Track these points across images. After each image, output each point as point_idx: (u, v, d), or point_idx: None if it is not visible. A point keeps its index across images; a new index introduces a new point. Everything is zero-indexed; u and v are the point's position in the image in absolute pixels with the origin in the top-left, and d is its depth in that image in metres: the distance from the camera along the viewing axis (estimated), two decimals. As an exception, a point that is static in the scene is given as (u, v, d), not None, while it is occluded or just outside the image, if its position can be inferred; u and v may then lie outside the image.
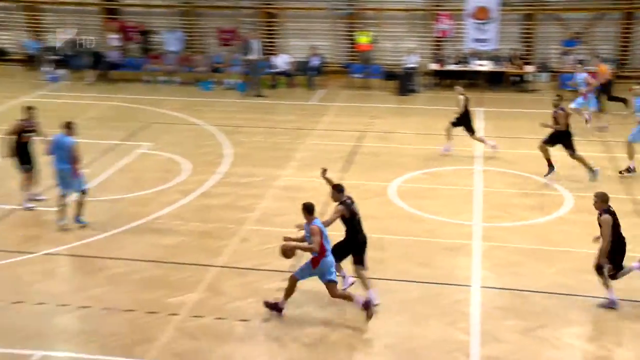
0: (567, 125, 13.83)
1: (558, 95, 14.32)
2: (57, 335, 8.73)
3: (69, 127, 11.63)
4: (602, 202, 9.17)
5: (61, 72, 23.26)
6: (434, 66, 22.43)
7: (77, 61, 23.59)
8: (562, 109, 13.89)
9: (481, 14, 22.74)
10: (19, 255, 10.65)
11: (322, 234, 8.86)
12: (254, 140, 16.69)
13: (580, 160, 13.91)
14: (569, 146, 13.88)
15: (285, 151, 15.89)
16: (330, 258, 8.97)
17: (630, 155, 14.27)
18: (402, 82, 21.62)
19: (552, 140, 13.98)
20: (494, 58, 22.38)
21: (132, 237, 11.37)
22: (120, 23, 24.48)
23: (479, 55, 22.62)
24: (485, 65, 22.26)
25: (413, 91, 21.77)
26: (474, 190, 13.55)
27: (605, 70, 19.03)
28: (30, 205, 12.34)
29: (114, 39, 23.74)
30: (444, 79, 22.96)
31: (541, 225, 12.03)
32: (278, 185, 13.77)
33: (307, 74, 22.41)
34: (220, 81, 22.39)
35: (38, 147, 12.60)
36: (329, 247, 9.00)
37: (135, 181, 13.96)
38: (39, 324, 8.88)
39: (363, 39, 22.97)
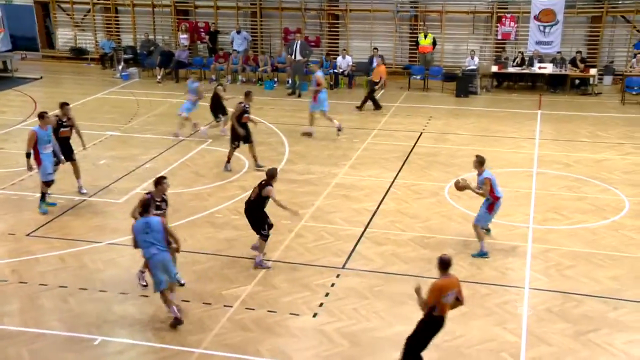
0: None
1: None
2: (117, 321, 8.99)
3: (40, 117, 12.02)
4: None
5: (133, 70, 23.93)
6: (495, 68, 21.96)
7: (148, 60, 24.25)
8: None
9: (546, 16, 22.13)
10: (85, 244, 11.03)
11: (491, 183, 10.48)
12: (313, 138, 16.73)
13: None
14: None
15: (342, 150, 15.89)
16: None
17: None
18: (462, 83, 21.28)
19: None
20: (556, 61, 21.74)
21: (191, 230, 11.59)
22: (190, 23, 24.99)
23: (541, 58, 22.02)
24: (547, 68, 21.63)
25: (472, 93, 21.39)
26: (529, 192, 13.21)
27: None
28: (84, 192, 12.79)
29: (183, 39, 24.26)
30: (504, 81, 22.49)
31: (596, 229, 11.62)
32: (333, 183, 13.79)
33: (369, 75, 22.29)
34: (285, 80, 22.53)
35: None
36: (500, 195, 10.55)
37: (196, 176, 14.22)
38: (100, 311, 9.17)
39: (424, 41, 22.72)
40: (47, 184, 12.09)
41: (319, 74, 16.98)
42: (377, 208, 12.53)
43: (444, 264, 7.40)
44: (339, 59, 22.61)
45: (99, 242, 11.13)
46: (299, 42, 21.82)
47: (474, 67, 21.69)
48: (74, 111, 19.00)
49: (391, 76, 23.41)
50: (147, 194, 9.51)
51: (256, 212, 10.29)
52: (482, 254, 10.62)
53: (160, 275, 8.65)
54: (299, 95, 21.25)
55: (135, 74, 23.89)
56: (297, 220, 11.85)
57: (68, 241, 11.14)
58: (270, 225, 10.32)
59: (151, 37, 25.31)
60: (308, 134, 16.80)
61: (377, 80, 19.75)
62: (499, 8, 22.87)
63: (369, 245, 10.98)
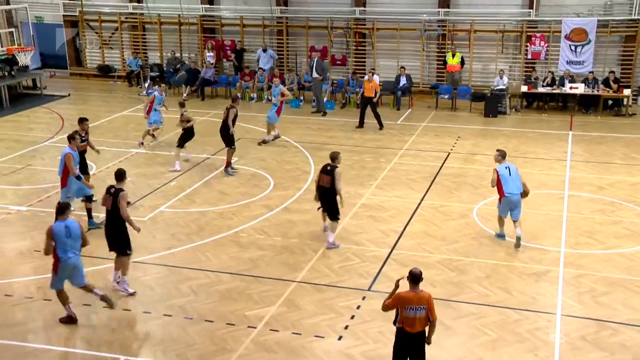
0: None
1: None
2: (140, 341, 9.00)
3: (72, 138, 12.19)
4: None
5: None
6: (524, 88, 21.81)
7: (174, 78, 24.53)
8: None
9: (577, 35, 21.97)
10: (109, 262, 11.08)
11: (499, 176, 11.54)
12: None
13: None
14: None
15: (368, 170, 15.85)
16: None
17: None
18: (491, 103, 21.15)
19: None
20: (588, 81, 21.52)
21: (215, 249, 11.61)
22: (216, 41, 25.28)
23: (572, 78, 21.83)
24: (579, 88, 21.42)
25: (501, 113, 21.25)
26: (561, 215, 13.02)
27: None
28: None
29: (209, 57, 24.53)
30: (534, 102, 22.31)
31: (633, 254, 11.38)
32: (359, 203, 13.74)
33: (395, 94, 22.32)
34: (311, 99, 22.61)
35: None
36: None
37: (221, 194, 14.28)
38: (124, 329, 9.19)
39: (452, 60, 22.68)
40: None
41: (283, 88, 17.91)
42: (404, 229, 12.44)
43: (412, 278, 7.41)
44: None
45: (123, 260, 11.17)
46: (316, 60, 22.00)
47: (503, 87, 21.56)
48: (100, 129, 19.51)
49: (418, 95, 23.44)
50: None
51: (332, 198, 11.38)
52: (498, 235, 11.86)
53: (63, 278, 9.11)
54: (324, 114, 21.31)
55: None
56: (323, 240, 11.81)
57: (92, 259, 11.20)
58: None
59: (177, 55, 25.63)
60: (264, 142, 17.74)
61: (372, 96, 19.75)
62: (528, 27, 22.78)
63: (396, 267, 10.88)
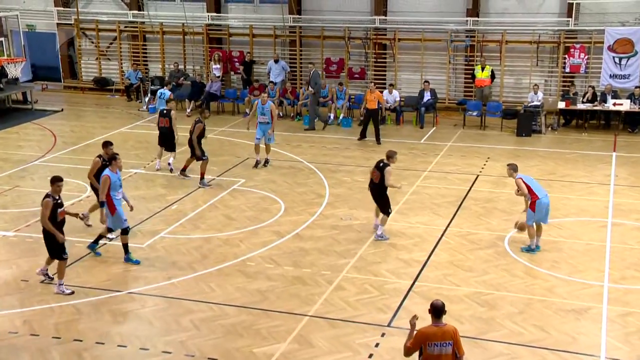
0: None
1: None
2: (136, 379, 8.99)
3: (113, 159, 12.24)
4: None
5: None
6: (562, 105, 21.79)
7: (177, 91, 24.74)
8: None
9: (622, 46, 21.97)
10: (104, 293, 11.13)
11: (524, 182, 12.48)
12: (355, 180, 16.76)
13: None
14: None
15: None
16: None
17: None
18: (524, 121, 21.13)
19: None
20: (635, 96, 21.43)
21: (220, 279, 11.63)
22: (223, 52, 25.54)
23: (616, 93, 21.78)
24: (623, 105, 21.36)
25: (536, 132, 21.22)
26: (603, 245, 12.92)
27: None
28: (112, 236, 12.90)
29: (216, 69, 24.75)
30: (573, 119, 22.27)
31: (684, 290, 11.25)
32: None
33: (418, 111, 22.39)
34: (325, 116, 22.71)
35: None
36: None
37: (227, 219, 14.33)
38: (118, 366, 9.19)
39: (482, 74, 22.74)
40: (126, 231, 12.20)
41: (273, 105, 17.84)
42: (428, 259, 12.40)
43: (435, 311, 7.33)
44: (386, 93, 22.75)
45: (118, 291, 11.22)
46: (312, 72, 22.28)
47: (538, 103, 21.55)
48: (95, 147, 19.68)
49: (444, 112, 23.49)
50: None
51: (382, 193, 13.03)
52: (529, 249, 12.61)
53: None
54: (312, 129, 21.54)
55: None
56: (338, 270, 11.81)
57: (85, 289, 11.26)
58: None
59: (181, 67, 25.90)
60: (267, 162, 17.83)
61: (375, 107, 19.99)
62: (566, 37, 22.82)
63: (418, 301, 10.83)
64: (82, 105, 25.62)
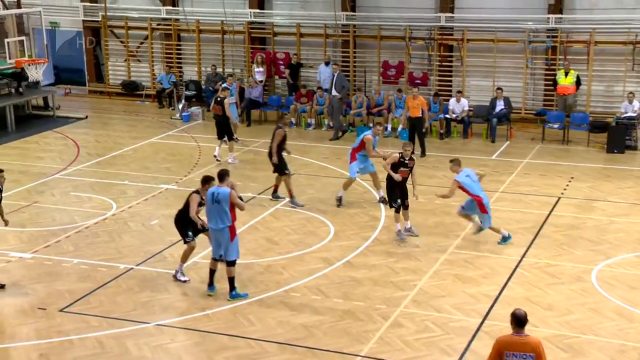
0: None
1: None
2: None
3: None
4: None
5: (195, 110, 24.81)
6: (661, 116, 21.39)
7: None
8: None
9: None
10: (129, 325, 11.30)
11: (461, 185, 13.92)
12: (416, 200, 16.67)
13: None
14: None
15: (454, 216, 15.71)
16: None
17: None
18: (616, 135, 20.81)
19: None
20: None
21: (261, 312, 11.70)
22: (267, 54, 25.81)
23: None
24: None
25: (630, 148, 20.86)
26: None
27: None
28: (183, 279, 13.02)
29: (258, 73, 24.99)
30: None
31: None
32: (442, 259, 13.66)
33: (489, 122, 22.24)
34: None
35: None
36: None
37: (269, 243, 14.43)
38: (144, 408, 9.30)
39: (565, 80, 22.48)
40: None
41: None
42: (500, 294, 12.27)
43: (516, 320, 7.68)
44: (452, 101, 22.66)
45: (146, 323, 11.38)
46: (337, 74, 22.44)
47: (633, 114, 21.22)
48: (123, 159, 20.11)
49: (520, 124, 23.28)
50: None
51: (390, 184, 14.55)
52: (505, 239, 14.14)
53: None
54: (338, 137, 21.95)
55: (199, 114, 24.75)
56: (394, 304, 11.76)
57: (109, 320, 11.45)
58: (397, 198, 14.34)
59: (219, 70, 26.25)
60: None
61: (419, 115, 20.00)
62: (669, 36, 22.41)
63: (488, 343, 10.62)
64: (108, 112, 26.19)
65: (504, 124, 22.38)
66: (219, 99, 19.52)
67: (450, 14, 24.34)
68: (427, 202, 16.59)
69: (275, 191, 16.63)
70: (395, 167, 14.53)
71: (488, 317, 11.52)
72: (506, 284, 12.66)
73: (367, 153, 16.27)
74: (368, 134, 16.57)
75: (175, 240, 14.27)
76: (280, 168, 16.35)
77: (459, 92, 23.08)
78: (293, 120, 23.66)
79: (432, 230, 15.04)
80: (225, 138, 19.51)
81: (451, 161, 14.44)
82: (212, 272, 12.27)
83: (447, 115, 22.57)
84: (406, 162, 14.59)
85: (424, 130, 20.61)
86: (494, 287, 12.52)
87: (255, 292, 12.34)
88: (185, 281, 12.69)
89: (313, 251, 14.05)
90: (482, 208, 13.97)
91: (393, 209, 14.51)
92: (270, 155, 16.39)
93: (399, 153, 14.58)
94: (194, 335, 11.08)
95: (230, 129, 19.54)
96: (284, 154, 16.50)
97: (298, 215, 15.84)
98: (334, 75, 22.72)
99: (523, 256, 13.75)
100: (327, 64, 24.39)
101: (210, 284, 12.28)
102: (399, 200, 14.39)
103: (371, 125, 23.11)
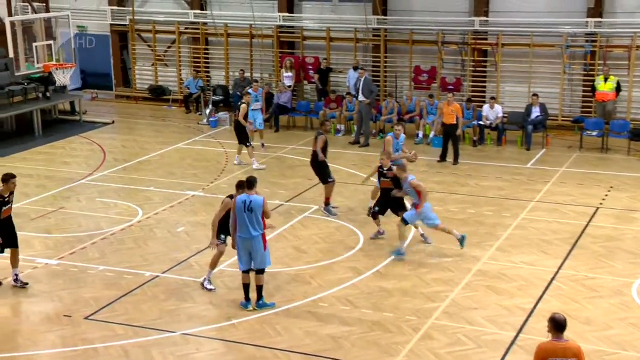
0: None
1: None
2: None
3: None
4: None
5: (223, 115, 24.94)
6: None
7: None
8: None
9: None
10: (154, 334, 11.36)
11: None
12: (448, 209, 16.64)
13: None
14: None
15: (488, 227, 15.68)
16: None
17: None
18: (658, 143, 20.58)
19: None
20: None
21: (288, 322, 11.71)
22: (296, 58, 25.89)
23: None
24: None
25: (674, 157, 20.64)
26: None
27: None
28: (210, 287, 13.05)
29: (287, 78, 25.08)
30: None
31: None
32: (475, 270, 13.59)
33: (525, 129, 22.09)
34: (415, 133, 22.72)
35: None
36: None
37: (297, 252, 14.46)
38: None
39: (604, 86, 22.28)
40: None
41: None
42: (535, 307, 12.17)
43: (556, 325, 7.73)
44: (486, 108, 22.55)
45: (171, 332, 11.44)
46: (364, 79, 22.45)
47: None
48: (149, 164, 20.26)
49: (557, 131, 23.11)
50: None
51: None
52: (398, 253, 14.02)
53: None
54: (367, 145, 22.01)
55: (226, 120, 24.87)
56: (426, 316, 11.71)
57: (134, 328, 11.53)
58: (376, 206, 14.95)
59: (247, 75, 26.38)
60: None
61: (454, 122, 20.02)
62: None
63: (523, 358, 10.64)
64: (135, 117, 26.43)
65: (540, 131, 22.23)
66: (240, 104, 20.11)
67: (484, 18, 24.24)
68: (459, 212, 16.54)
69: (327, 204, 16.40)
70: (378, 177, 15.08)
71: (523, 331, 11.43)
72: (542, 296, 12.55)
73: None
74: (389, 136, 16.79)
75: (201, 247, 14.36)
76: (324, 176, 16.30)
77: (492, 98, 22.95)
78: (340, 127, 23.68)
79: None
80: (248, 143, 19.78)
81: (397, 166, 14.61)
82: (247, 286, 12.18)
83: (481, 122, 22.47)
84: (385, 172, 14.77)
85: (457, 137, 20.56)
86: (529, 299, 12.42)
87: (282, 301, 12.36)
88: (211, 290, 12.74)
89: (342, 260, 14.04)
90: (417, 208, 14.10)
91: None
92: (314, 161, 16.29)
93: (379, 163, 14.87)
94: (220, 345, 11.13)
95: (247, 135, 19.80)
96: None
97: (327, 223, 15.84)
98: (360, 80, 22.72)
99: (560, 268, 13.64)
100: (355, 69, 24.42)
101: (247, 299, 12.17)
102: (376, 208, 14.85)
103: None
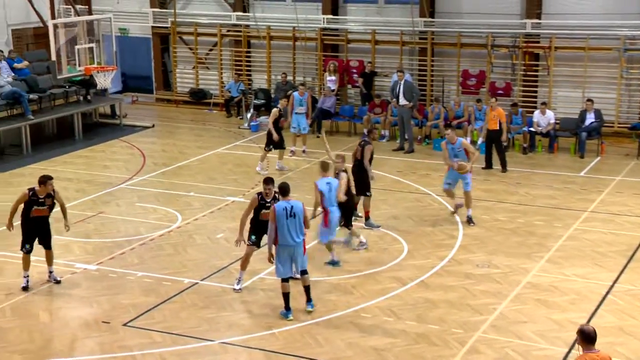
0: None
1: None
2: None
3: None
4: None
5: (264, 119, 24.97)
6: None
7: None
8: None
9: None
10: (193, 342, 11.43)
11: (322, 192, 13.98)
12: (496, 218, 16.53)
13: None
14: None
15: (538, 237, 15.52)
16: None
17: None
18: None
19: None
20: None
21: (329, 332, 11.69)
22: (339, 62, 25.90)
23: None
24: None
25: None
26: None
27: None
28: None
29: (330, 81, 25.10)
30: None
31: None
32: (524, 282, 13.46)
33: (578, 136, 21.84)
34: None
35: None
36: None
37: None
38: None
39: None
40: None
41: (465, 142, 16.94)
42: (588, 322, 11.97)
43: (585, 337, 7.81)
44: (537, 113, 22.31)
45: (210, 340, 11.49)
46: (403, 82, 22.36)
47: None
48: (189, 169, 20.41)
49: (612, 138, 22.80)
50: None
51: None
52: (333, 263, 14.07)
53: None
54: (411, 151, 21.96)
55: (267, 124, 24.90)
56: (472, 329, 11.60)
57: (172, 336, 11.60)
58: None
59: (290, 78, 26.47)
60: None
61: (497, 128, 19.94)
62: None
63: (575, 374, 10.48)
64: (175, 120, 26.66)
65: (594, 138, 21.96)
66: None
67: (537, 20, 24.02)
68: (508, 221, 16.39)
69: (367, 218, 16.21)
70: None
71: (576, 347, 11.27)
72: (595, 311, 12.37)
73: (444, 161, 16.45)
74: (443, 142, 16.69)
75: (241, 255, 14.38)
76: (364, 187, 15.92)
77: (543, 103, 22.71)
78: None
79: (514, 250, 14.81)
80: (285, 147, 20.30)
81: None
82: (287, 295, 12.17)
83: (532, 129, 22.24)
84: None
85: (503, 143, 20.36)
86: (581, 314, 12.25)
87: (323, 311, 12.34)
88: (236, 290, 12.94)
89: (385, 270, 13.99)
90: (325, 221, 13.92)
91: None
92: (359, 170, 15.85)
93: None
94: (259, 355, 11.15)
95: (280, 139, 19.97)
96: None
97: (370, 231, 15.80)
98: (399, 83, 22.61)
99: (615, 281, 13.44)
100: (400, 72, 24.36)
101: (288, 308, 12.17)
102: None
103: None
